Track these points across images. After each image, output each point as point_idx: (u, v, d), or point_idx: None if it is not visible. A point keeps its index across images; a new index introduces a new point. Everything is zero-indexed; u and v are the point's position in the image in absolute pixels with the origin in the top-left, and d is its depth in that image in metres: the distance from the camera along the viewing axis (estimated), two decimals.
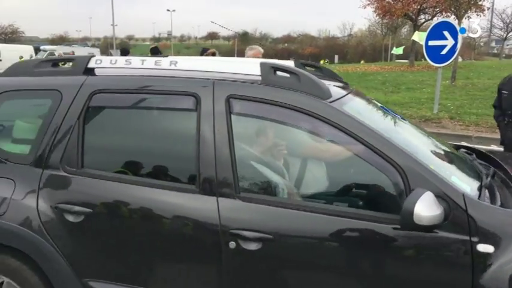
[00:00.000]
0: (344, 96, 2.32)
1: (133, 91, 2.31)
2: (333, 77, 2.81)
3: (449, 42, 9.84)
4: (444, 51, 9.94)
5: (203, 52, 8.01)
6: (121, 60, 2.41)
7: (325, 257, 2.02)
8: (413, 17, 28.92)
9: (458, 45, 9.79)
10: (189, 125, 2.21)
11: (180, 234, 2.13)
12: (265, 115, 2.24)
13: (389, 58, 49.29)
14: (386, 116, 2.53)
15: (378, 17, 33.07)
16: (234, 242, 2.03)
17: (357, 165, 2.20)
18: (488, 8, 28.48)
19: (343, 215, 1.98)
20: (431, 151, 2.29)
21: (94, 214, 2.20)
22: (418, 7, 27.83)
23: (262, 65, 2.21)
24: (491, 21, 41.42)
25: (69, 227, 2.22)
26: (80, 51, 34.78)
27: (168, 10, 73.12)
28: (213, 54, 7.64)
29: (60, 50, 31.39)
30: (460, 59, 26.88)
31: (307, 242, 2.03)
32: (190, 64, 2.36)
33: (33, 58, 29.14)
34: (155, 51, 9.65)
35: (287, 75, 2.20)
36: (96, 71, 2.45)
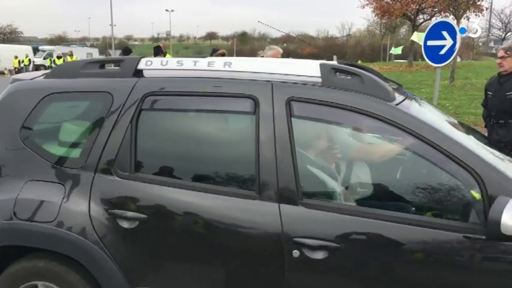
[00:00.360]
0: (406, 98, 2.26)
1: (187, 93, 2.24)
2: (381, 78, 2.74)
3: (448, 42, 9.76)
4: (443, 51, 9.85)
5: (213, 52, 7.98)
6: (172, 62, 2.35)
7: (394, 268, 1.95)
8: (412, 17, 28.98)
9: (457, 45, 9.76)
10: (247, 128, 2.15)
11: (240, 241, 2.06)
12: (326, 118, 2.17)
13: (388, 58, 49.37)
14: (449, 120, 2.46)
15: (376, 17, 33.20)
16: (297, 251, 1.96)
17: (425, 170, 2.14)
18: (487, 8, 28.54)
19: (414, 223, 1.91)
20: (497, 156, 2.22)
21: (149, 220, 2.13)
22: (417, 7, 27.88)
23: (322, 66, 2.15)
24: (489, 21, 41.45)
25: (122, 233, 2.15)
26: (79, 51, 34.64)
27: (166, 10, 72.94)
28: (223, 55, 7.61)
29: (58, 50, 31.29)
30: (458, 59, 26.93)
31: (376, 252, 1.95)
32: (246, 65, 2.30)
33: (28, 58, 29.40)
34: (158, 51, 9.63)
35: (349, 76, 2.15)
36: (146, 73, 2.37)
